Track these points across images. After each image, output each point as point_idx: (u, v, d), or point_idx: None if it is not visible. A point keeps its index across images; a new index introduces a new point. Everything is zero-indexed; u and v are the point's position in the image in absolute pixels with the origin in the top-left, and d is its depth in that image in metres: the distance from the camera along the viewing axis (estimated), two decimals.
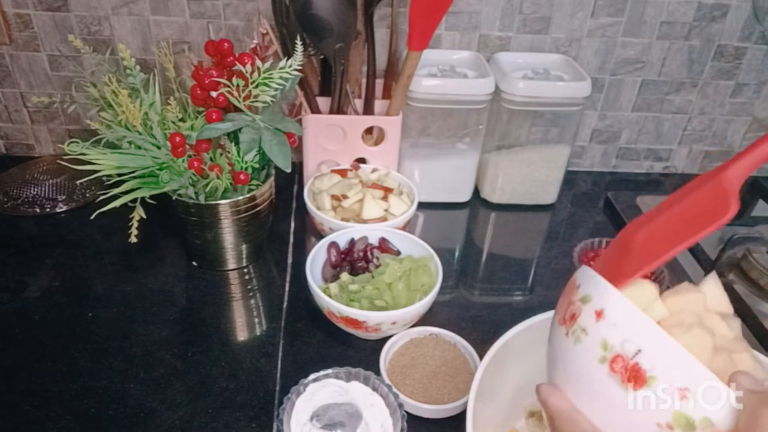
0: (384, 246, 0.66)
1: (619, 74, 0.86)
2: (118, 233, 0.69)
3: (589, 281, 0.35)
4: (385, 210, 0.71)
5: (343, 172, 0.76)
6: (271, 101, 0.60)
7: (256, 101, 0.59)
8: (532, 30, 0.81)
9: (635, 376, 0.31)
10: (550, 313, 0.50)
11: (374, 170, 0.78)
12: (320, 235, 0.70)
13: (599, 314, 0.33)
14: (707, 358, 0.32)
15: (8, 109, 0.84)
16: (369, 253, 0.65)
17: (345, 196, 0.71)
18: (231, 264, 0.69)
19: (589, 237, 0.70)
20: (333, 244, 0.66)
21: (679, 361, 0.30)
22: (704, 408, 0.29)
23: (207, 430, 0.51)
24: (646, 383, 0.31)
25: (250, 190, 0.64)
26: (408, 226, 0.72)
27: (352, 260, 0.65)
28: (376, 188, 0.73)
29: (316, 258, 0.64)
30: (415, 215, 0.73)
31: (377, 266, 0.63)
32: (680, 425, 0.30)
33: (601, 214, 0.85)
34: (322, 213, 0.69)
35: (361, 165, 0.77)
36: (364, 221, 0.70)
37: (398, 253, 0.67)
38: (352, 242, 0.66)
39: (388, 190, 0.74)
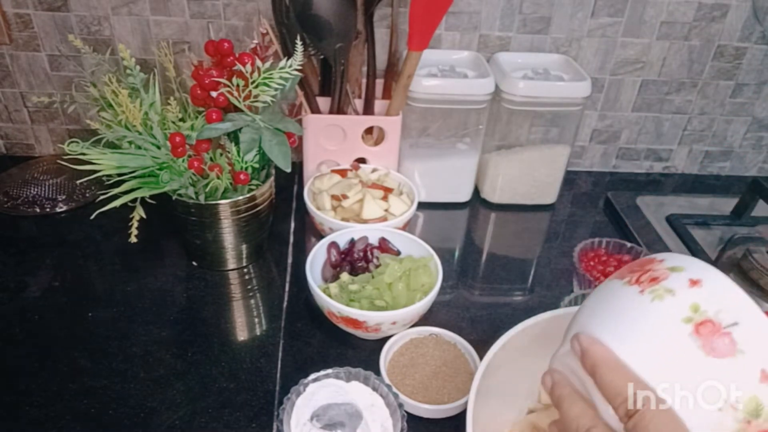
0: (384, 246, 0.66)
1: (619, 74, 0.86)
2: (118, 233, 0.69)
3: (682, 259, 0.34)
4: (385, 210, 0.71)
5: (343, 172, 0.76)
6: (271, 101, 0.60)
7: (256, 101, 0.59)
8: (532, 30, 0.81)
9: (722, 345, 0.29)
10: (550, 313, 0.50)
11: (374, 170, 0.78)
12: (320, 235, 0.70)
13: (695, 282, 0.32)
14: None
15: (8, 109, 0.84)
16: (369, 253, 0.65)
17: (345, 196, 0.71)
18: (231, 264, 0.69)
19: (589, 237, 0.70)
20: (333, 244, 0.66)
21: None
22: None
23: (207, 430, 0.51)
24: (732, 355, 0.29)
25: (250, 190, 0.64)
26: (408, 226, 0.72)
27: (352, 260, 0.65)
28: (376, 188, 0.73)
29: (316, 258, 0.64)
30: (415, 215, 0.73)
31: (377, 266, 0.63)
32: (748, 409, 0.29)
33: (601, 214, 0.85)
34: (322, 213, 0.69)
35: (361, 165, 0.77)
36: (364, 221, 0.70)
37: (398, 253, 0.67)
38: (352, 242, 0.66)
39: (388, 190, 0.74)
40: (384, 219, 0.70)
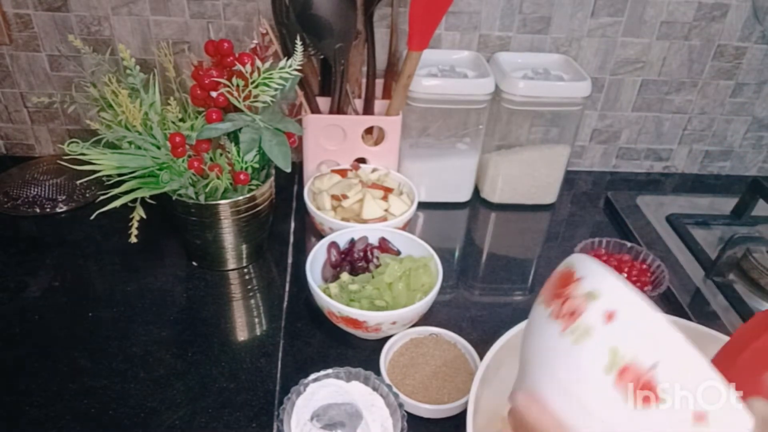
0: (384, 246, 0.66)
1: (619, 74, 0.86)
2: (118, 233, 0.69)
3: (595, 274, 0.31)
4: (385, 210, 0.71)
5: (343, 172, 0.76)
6: (271, 101, 0.60)
7: (256, 101, 0.59)
8: (532, 30, 0.81)
9: (647, 395, 0.27)
10: None
11: (374, 170, 0.78)
12: (320, 235, 0.70)
13: (610, 316, 0.29)
14: None
15: (8, 109, 0.84)
16: (369, 253, 0.65)
17: (345, 196, 0.71)
18: (231, 264, 0.69)
19: (589, 237, 0.70)
20: (333, 244, 0.66)
21: (702, 376, 0.26)
22: None
23: (207, 430, 0.51)
24: (658, 402, 0.27)
25: (250, 190, 0.64)
26: (408, 226, 0.72)
27: (352, 260, 0.65)
28: (376, 188, 0.73)
29: (316, 258, 0.64)
30: (415, 215, 0.73)
31: (377, 266, 0.63)
32: None
33: (601, 214, 0.85)
34: (322, 213, 0.69)
35: (361, 165, 0.77)
36: (364, 221, 0.70)
37: (398, 253, 0.67)
38: (352, 242, 0.66)
39: (388, 190, 0.74)
40: (384, 219, 0.70)
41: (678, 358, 0.27)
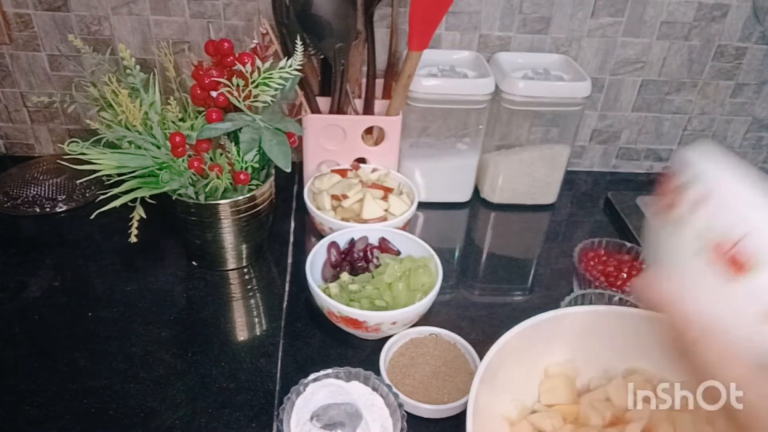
0: (384, 246, 0.66)
1: (619, 74, 0.86)
2: (118, 233, 0.69)
3: (694, 162, 0.31)
4: (385, 210, 0.71)
5: (343, 172, 0.76)
6: (271, 101, 0.60)
7: (256, 101, 0.59)
8: (532, 30, 0.81)
9: (738, 265, 0.28)
10: (550, 313, 0.50)
11: (374, 170, 0.78)
12: (320, 235, 0.70)
13: (700, 202, 0.30)
14: None
15: (8, 109, 0.84)
16: (369, 253, 0.65)
17: (345, 196, 0.71)
18: (231, 264, 0.69)
19: (589, 237, 0.70)
20: (333, 244, 0.66)
21: None
22: None
23: (207, 430, 0.51)
24: (749, 271, 0.28)
25: (250, 190, 0.64)
26: (408, 226, 0.72)
27: (352, 260, 0.65)
28: (376, 188, 0.74)
29: (316, 258, 0.64)
30: (415, 215, 0.73)
31: (377, 266, 0.63)
32: None
33: (601, 214, 0.85)
34: (322, 213, 0.69)
35: (361, 165, 0.77)
36: (364, 221, 0.70)
37: (398, 253, 0.67)
38: (352, 242, 0.66)
39: (387, 190, 0.74)
40: (384, 219, 0.70)
41: (764, 231, 0.28)
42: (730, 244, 0.28)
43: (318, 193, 0.73)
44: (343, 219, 0.69)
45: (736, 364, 0.29)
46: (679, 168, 0.32)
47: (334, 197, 0.72)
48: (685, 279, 0.31)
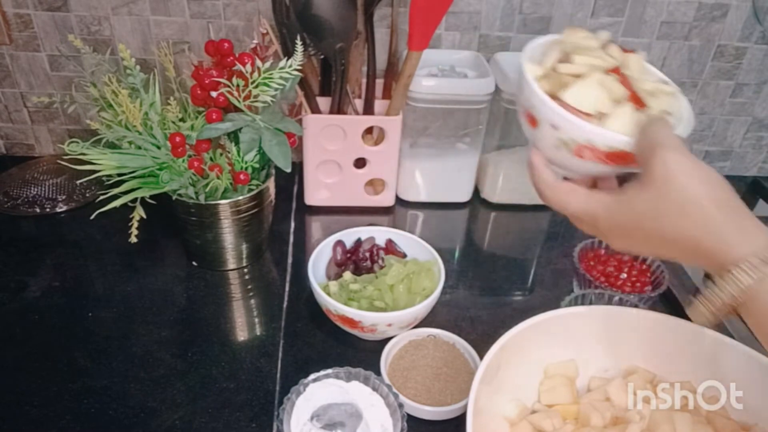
0: (390, 248, 0.67)
1: None
2: (118, 233, 0.69)
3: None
4: (598, 115, 0.41)
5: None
6: (271, 101, 0.60)
7: (256, 101, 0.59)
8: (532, 30, 0.81)
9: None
10: (550, 313, 0.50)
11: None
12: (321, 235, 0.70)
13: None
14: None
15: (8, 109, 0.84)
16: (375, 253, 0.65)
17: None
18: (231, 264, 0.69)
19: (589, 237, 0.70)
20: (339, 243, 0.66)
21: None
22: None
23: (207, 430, 0.51)
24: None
25: (250, 190, 0.64)
26: (410, 227, 0.72)
27: (357, 260, 0.65)
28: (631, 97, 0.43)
29: (321, 255, 0.64)
30: (415, 215, 0.73)
31: (381, 267, 0.63)
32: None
33: None
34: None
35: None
36: (565, 104, 0.42)
37: (404, 255, 0.67)
38: (359, 242, 0.66)
39: (639, 104, 0.42)
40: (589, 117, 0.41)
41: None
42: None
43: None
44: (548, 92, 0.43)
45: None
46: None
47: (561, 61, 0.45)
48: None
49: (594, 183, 0.46)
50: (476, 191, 0.87)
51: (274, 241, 0.74)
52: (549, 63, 0.45)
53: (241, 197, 0.63)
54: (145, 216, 0.59)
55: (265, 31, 0.68)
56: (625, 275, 0.65)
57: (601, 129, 0.40)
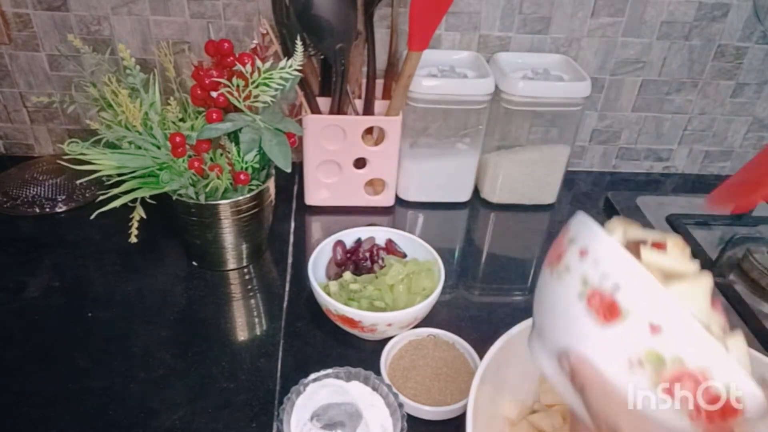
0: (390, 248, 0.66)
1: (619, 74, 0.86)
2: (118, 233, 0.69)
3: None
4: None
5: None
6: (271, 101, 0.60)
7: (256, 101, 0.59)
8: (532, 30, 0.81)
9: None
10: None
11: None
12: (321, 235, 0.70)
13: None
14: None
15: (7, 109, 0.84)
16: (375, 253, 0.65)
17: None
18: (231, 264, 0.69)
19: None
20: (339, 243, 0.66)
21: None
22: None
23: (207, 430, 0.51)
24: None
25: (251, 190, 0.64)
26: (410, 227, 0.72)
27: (357, 260, 0.65)
28: None
29: (321, 255, 0.64)
30: (415, 215, 0.73)
31: (382, 267, 0.63)
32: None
33: (601, 214, 0.85)
34: None
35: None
36: None
37: (404, 255, 0.67)
38: (359, 242, 0.66)
39: None
40: None
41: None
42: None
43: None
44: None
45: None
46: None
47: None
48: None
49: None
50: (476, 191, 0.87)
51: (274, 241, 0.74)
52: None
53: (241, 197, 0.63)
54: (145, 216, 0.59)
55: (265, 31, 0.68)
56: None
57: (730, 358, 0.30)
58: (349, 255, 0.66)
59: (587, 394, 0.32)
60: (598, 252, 0.33)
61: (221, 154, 0.63)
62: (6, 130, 0.86)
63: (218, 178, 0.61)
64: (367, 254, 0.65)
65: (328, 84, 0.74)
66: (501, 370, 0.47)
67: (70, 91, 0.80)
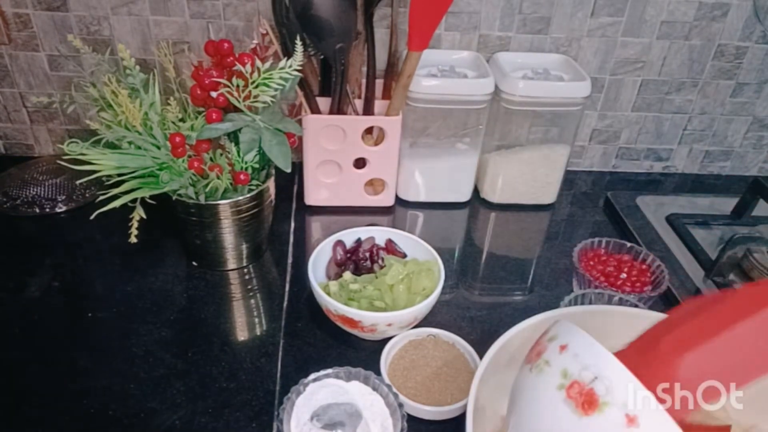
0: (390, 248, 0.67)
1: (619, 74, 0.86)
2: (118, 233, 0.69)
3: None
4: None
5: None
6: (271, 101, 0.60)
7: (256, 101, 0.59)
8: (532, 30, 0.81)
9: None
10: (550, 313, 0.50)
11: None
12: (321, 235, 0.70)
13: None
14: None
15: (7, 109, 0.84)
16: (375, 253, 0.65)
17: None
18: (231, 264, 0.69)
19: (589, 237, 0.70)
20: (339, 243, 0.66)
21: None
22: None
23: (207, 430, 0.51)
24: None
25: (250, 190, 0.64)
26: (410, 227, 0.72)
27: (357, 260, 0.65)
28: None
29: (320, 255, 0.64)
30: (415, 215, 0.73)
31: (382, 267, 0.63)
32: None
33: (601, 214, 0.85)
34: None
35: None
36: None
37: (404, 255, 0.67)
38: (359, 242, 0.66)
39: None
40: None
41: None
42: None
43: None
44: None
45: None
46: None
47: None
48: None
49: None
50: (476, 191, 0.87)
51: (274, 241, 0.74)
52: None
53: (241, 197, 0.63)
54: (145, 216, 0.59)
55: (265, 31, 0.68)
56: (624, 275, 0.65)
57: None
58: (349, 255, 0.66)
59: None
60: (578, 346, 0.35)
61: (221, 154, 0.63)
62: (6, 130, 0.86)
63: (218, 178, 0.61)
64: (367, 254, 0.65)
65: (328, 84, 0.74)
66: (501, 370, 0.47)
67: (70, 91, 0.79)
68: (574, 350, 0.35)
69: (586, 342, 0.35)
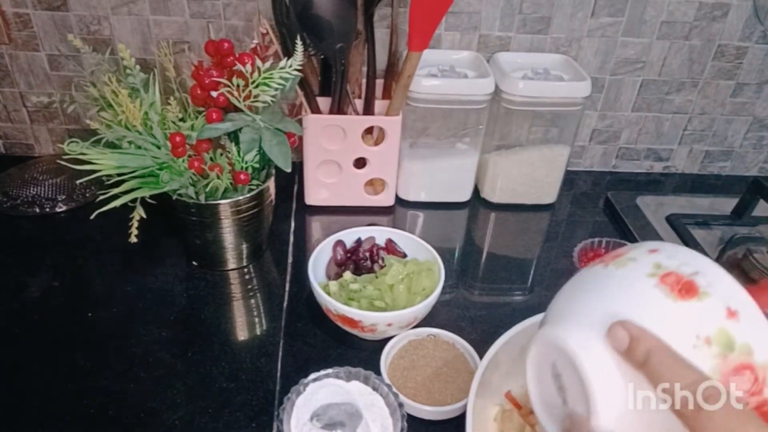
0: (390, 247, 0.66)
1: (619, 74, 0.86)
2: (118, 233, 0.69)
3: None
4: None
5: None
6: (271, 101, 0.60)
7: (257, 101, 0.59)
8: (532, 30, 0.81)
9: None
10: None
11: None
12: (321, 235, 0.70)
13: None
14: None
15: (7, 109, 0.84)
16: (375, 253, 0.65)
17: None
18: (231, 264, 0.69)
19: (589, 237, 0.70)
20: (339, 243, 0.66)
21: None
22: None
23: (207, 430, 0.51)
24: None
25: (251, 190, 0.64)
26: (410, 227, 0.72)
27: (357, 260, 0.65)
28: None
29: (320, 255, 0.64)
30: (415, 215, 0.73)
31: (382, 267, 0.63)
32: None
33: (601, 214, 0.85)
34: None
35: None
36: None
37: (404, 255, 0.67)
38: (359, 242, 0.66)
39: None
40: None
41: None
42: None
43: None
44: None
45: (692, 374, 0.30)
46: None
47: None
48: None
49: None
50: (476, 191, 0.87)
51: (274, 241, 0.74)
52: None
53: (241, 197, 0.63)
54: (145, 216, 0.59)
55: (265, 31, 0.68)
56: None
57: None
58: (349, 255, 0.66)
59: (653, 363, 0.30)
60: (672, 250, 0.34)
61: (221, 154, 0.63)
62: (6, 130, 0.86)
63: (218, 177, 0.61)
64: (367, 254, 0.65)
65: (328, 84, 0.74)
66: (501, 369, 0.47)
67: (70, 91, 0.79)
68: (669, 252, 0.34)
69: (683, 248, 0.34)
